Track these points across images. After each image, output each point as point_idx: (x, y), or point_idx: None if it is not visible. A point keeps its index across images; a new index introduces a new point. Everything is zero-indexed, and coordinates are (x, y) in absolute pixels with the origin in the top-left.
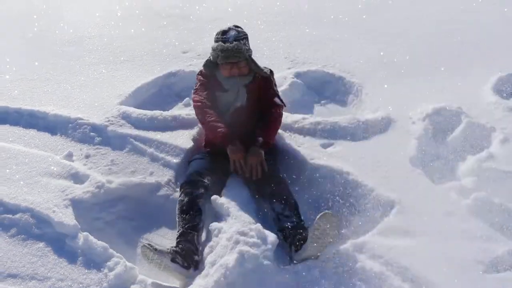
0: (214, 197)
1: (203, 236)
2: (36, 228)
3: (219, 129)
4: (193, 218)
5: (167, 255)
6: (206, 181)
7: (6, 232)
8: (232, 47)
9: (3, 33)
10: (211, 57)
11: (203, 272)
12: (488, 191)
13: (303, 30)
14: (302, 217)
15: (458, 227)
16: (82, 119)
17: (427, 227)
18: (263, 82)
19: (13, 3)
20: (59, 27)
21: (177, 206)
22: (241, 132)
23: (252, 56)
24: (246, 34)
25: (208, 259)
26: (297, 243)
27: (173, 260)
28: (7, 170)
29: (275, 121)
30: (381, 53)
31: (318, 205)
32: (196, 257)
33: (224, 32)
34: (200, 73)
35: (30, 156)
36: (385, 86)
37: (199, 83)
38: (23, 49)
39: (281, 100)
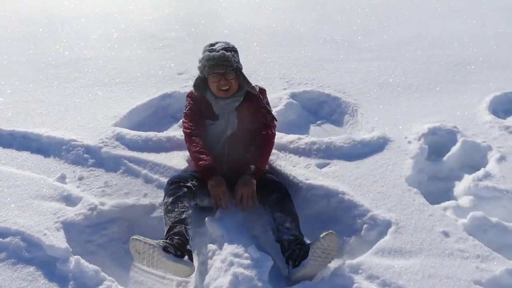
0: (207, 218)
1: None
2: (27, 252)
3: (201, 162)
4: (179, 214)
5: (158, 246)
6: (189, 184)
7: None
8: (219, 56)
9: None
10: (199, 72)
11: None
12: (485, 210)
13: (298, 51)
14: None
15: (455, 246)
16: (75, 140)
17: (423, 247)
18: (253, 101)
19: (9, 26)
20: (55, 49)
21: (162, 209)
22: (236, 160)
23: (246, 75)
24: (235, 48)
25: (205, 279)
26: (296, 258)
27: (165, 250)
28: None
29: (267, 144)
30: (376, 74)
31: (313, 226)
32: (188, 247)
33: (211, 44)
34: (190, 95)
35: (22, 178)
36: (381, 106)
37: (188, 107)
38: (18, 71)
39: (272, 116)
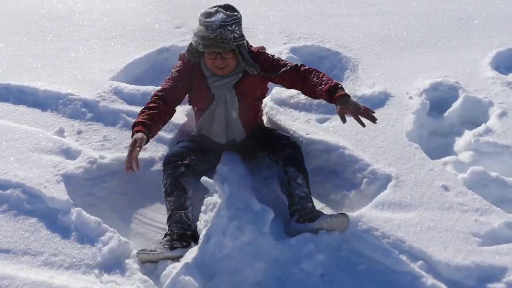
0: (203, 178)
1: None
2: (28, 204)
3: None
4: (178, 198)
5: (165, 249)
6: (187, 160)
7: None
8: (215, 37)
9: None
10: (193, 42)
11: (198, 246)
12: (485, 165)
13: (298, 5)
14: None
15: (455, 200)
16: (73, 94)
17: (423, 201)
18: (257, 76)
19: None
20: (48, 1)
21: (163, 190)
22: (241, 147)
23: (249, 33)
24: (238, 18)
25: (203, 234)
26: (303, 216)
27: (172, 248)
28: None
29: (318, 73)
30: (378, 28)
31: (313, 180)
32: (189, 233)
33: (209, 15)
34: (183, 58)
35: (20, 132)
36: (382, 61)
37: (177, 69)
38: (10, 25)
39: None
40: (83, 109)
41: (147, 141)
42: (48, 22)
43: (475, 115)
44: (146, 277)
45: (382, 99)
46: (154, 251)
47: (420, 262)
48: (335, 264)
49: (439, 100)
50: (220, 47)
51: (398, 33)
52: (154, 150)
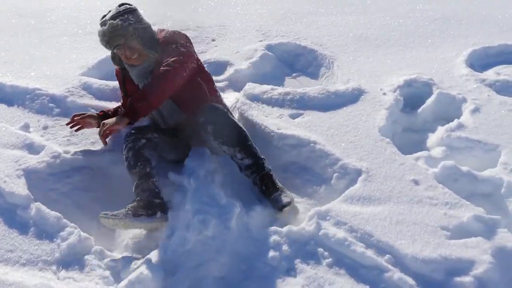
0: (170, 173)
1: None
2: None
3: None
4: (143, 168)
5: (128, 215)
6: (148, 135)
7: None
8: (108, 29)
9: None
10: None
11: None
12: (456, 160)
13: (276, 4)
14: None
15: (424, 194)
16: (40, 89)
17: (392, 195)
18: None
19: None
20: None
21: (125, 164)
22: (180, 115)
23: (225, 30)
24: (129, 8)
25: (167, 229)
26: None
27: (135, 215)
28: None
29: (156, 78)
30: (355, 27)
31: (283, 176)
32: (158, 201)
33: (103, 16)
34: (116, 72)
35: None
36: (358, 59)
37: (118, 83)
38: None
39: (183, 52)
40: (50, 104)
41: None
42: (20, 19)
43: (449, 112)
44: (106, 273)
45: (356, 95)
46: (116, 215)
47: (387, 256)
48: (301, 257)
49: (413, 96)
50: (118, 37)
51: (375, 32)
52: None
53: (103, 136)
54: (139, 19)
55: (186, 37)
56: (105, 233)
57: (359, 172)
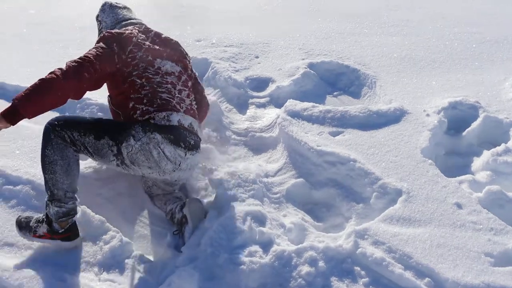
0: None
1: None
2: (36, 200)
3: None
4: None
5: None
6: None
7: (6, 203)
8: None
9: None
10: None
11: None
12: (502, 185)
13: (320, 23)
14: None
15: (468, 218)
16: (90, 99)
17: (434, 217)
18: None
19: None
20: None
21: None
22: None
23: (268, 48)
24: (102, 5)
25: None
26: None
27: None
28: (12, 144)
29: (36, 84)
30: (399, 48)
31: (321, 192)
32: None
33: None
34: None
35: (35, 131)
36: (401, 79)
37: None
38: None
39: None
40: (99, 113)
41: None
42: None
43: (495, 136)
44: (145, 277)
45: (398, 115)
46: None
47: (427, 279)
48: (337, 275)
49: (457, 119)
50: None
51: (419, 53)
52: None
53: None
54: (97, 17)
55: (105, 36)
56: (144, 237)
57: (399, 193)
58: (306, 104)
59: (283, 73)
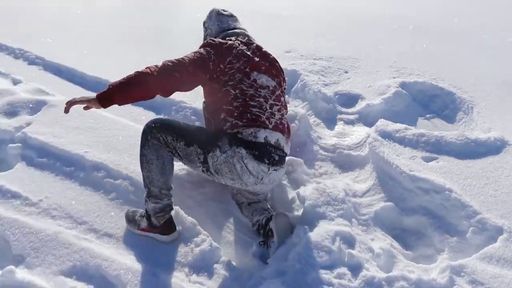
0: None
1: None
2: (133, 196)
3: None
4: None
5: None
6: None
7: (107, 195)
8: None
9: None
10: None
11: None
12: None
13: (413, 39)
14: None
15: None
16: (185, 102)
17: None
18: None
19: None
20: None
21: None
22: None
23: (358, 63)
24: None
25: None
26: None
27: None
28: (115, 140)
29: (133, 75)
30: (499, 72)
31: (413, 219)
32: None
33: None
34: None
35: (134, 129)
36: (501, 106)
37: None
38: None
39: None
40: (192, 117)
41: None
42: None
43: None
44: (233, 284)
45: (498, 146)
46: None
47: None
48: None
49: None
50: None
51: None
52: None
53: (67, 106)
54: (206, 25)
55: (207, 43)
56: (231, 244)
57: (500, 230)
58: (398, 126)
59: (373, 90)
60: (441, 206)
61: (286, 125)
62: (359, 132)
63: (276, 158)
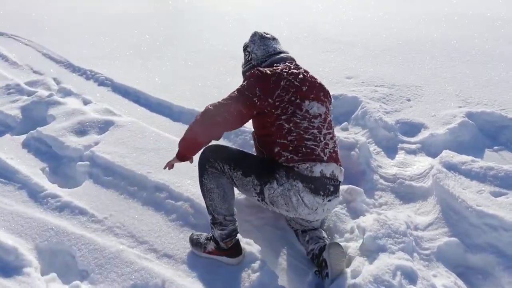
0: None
1: None
2: (194, 218)
3: None
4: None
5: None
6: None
7: (168, 216)
8: None
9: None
10: None
11: None
12: None
13: (478, 69)
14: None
15: None
16: (245, 127)
17: None
18: None
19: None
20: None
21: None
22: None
23: (421, 91)
24: (244, 45)
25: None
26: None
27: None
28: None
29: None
30: None
31: (478, 257)
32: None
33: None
34: None
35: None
36: None
37: None
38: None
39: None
40: (251, 141)
41: None
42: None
43: None
44: None
45: None
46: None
47: None
48: None
49: None
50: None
51: None
52: None
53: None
54: (245, 58)
55: (255, 75)
56: (287, 272)
57: None
58: (464, 157)
59: (437, 120)
60: (511, 245)
61: (337, 153)
62: (422, 162)
63: (331, 189)
